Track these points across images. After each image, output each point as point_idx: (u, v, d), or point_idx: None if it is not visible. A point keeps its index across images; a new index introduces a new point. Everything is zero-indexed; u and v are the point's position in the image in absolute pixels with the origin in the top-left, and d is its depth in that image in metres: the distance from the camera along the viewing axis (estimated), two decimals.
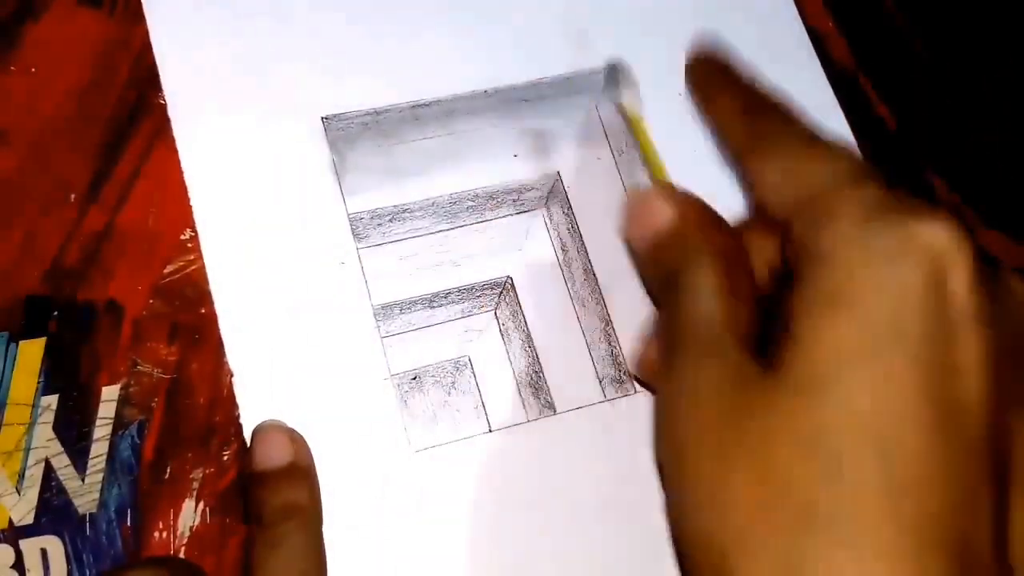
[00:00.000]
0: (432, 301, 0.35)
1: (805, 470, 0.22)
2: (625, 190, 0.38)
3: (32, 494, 0.31)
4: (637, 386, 0.36)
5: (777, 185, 0.27)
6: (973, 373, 0.23)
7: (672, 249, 0.28)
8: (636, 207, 0.30)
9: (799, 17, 0.43)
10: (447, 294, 0.36)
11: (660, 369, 0.27)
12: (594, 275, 0.37)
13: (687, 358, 0.26)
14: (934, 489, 0.22)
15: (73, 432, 0.32)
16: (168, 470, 0.32)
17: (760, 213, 0.29)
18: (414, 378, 0.34)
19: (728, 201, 0.39)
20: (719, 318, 0.26)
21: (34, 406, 0.32)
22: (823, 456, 0.22)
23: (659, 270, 0.29)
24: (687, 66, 0.33)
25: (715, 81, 0.31)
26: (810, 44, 0.43)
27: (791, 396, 0.23)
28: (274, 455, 0.31)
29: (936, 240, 0.23)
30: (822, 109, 0.41)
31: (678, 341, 0.27)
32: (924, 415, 0.22)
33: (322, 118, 0.36)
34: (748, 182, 0.29)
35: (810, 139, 0.28)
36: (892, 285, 0.23)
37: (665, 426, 0.26)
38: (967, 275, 0.23)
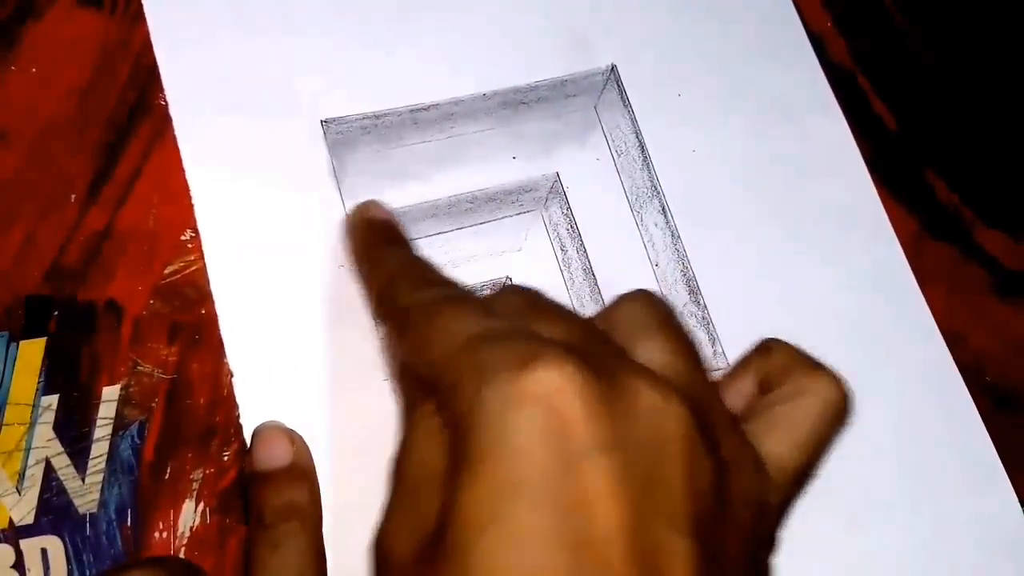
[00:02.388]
0: None
1: None
2: (624, 191, 0.38)
3: (32, 494, 0.31)
4: None
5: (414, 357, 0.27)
6: (603, 502, 0.22)
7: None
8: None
9: (799, 17, 0.43)
10: None
11: None
12: (593, 275, 0.37)
13: None
14: None
15: (73, 432, 0.32)
16: (168, 470, 0.32)
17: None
18: None
19: (727, 200, 0.39)
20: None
21: (34, 406, 0.32)
22: None
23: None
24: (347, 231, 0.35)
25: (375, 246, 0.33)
26: (810, 44, 0.43)
27: (445, 573, 0.23)
28: (274, 456, 0.31)
29: (544, 382, 0.23)
30: (822, 109, 0.42)
31: None
32: (560, 561, 0.22)
33: (322, 121, 0.36)
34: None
35: (439, 300, 0.27)
36: (511, 440, 0.23)
37: None
38: (580, 406, 0.23)
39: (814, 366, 0.29)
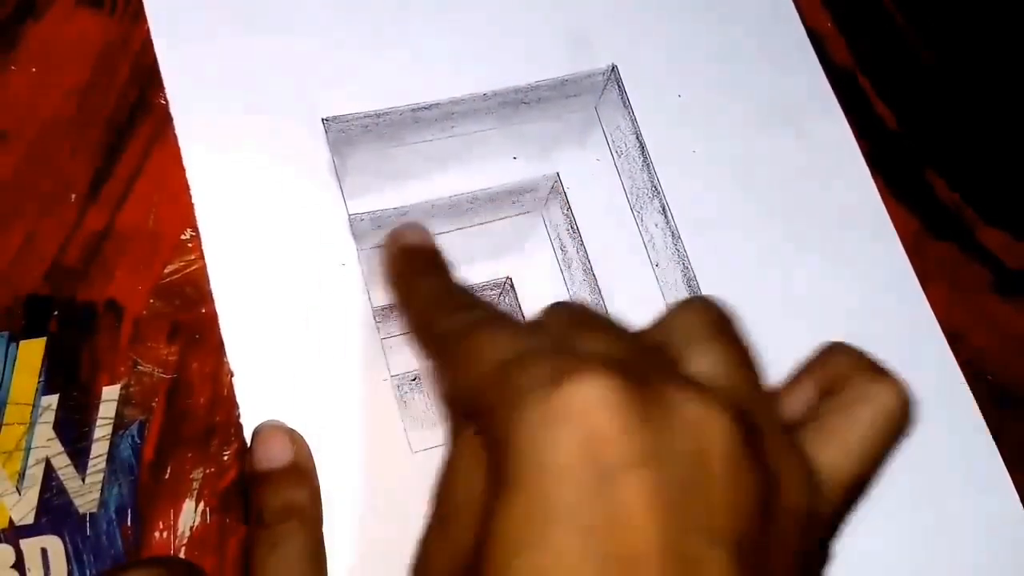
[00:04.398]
0: None
1: None
2: (625, 192, 0.38)
3: (32, 494, 0.31)
4: None
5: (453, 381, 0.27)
6: (639, 519, 0.22)
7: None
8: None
9: (799, 17, 0.43)
10: None
11: None
12: (594, 276, 0.37)
13: None
14: None
15: (73, 432, 0.32)
16: (168, 470, 0.32)
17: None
18: (414, 379, 0.34)
19: (727, 201, 0.39)
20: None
21: (34, 406, 0.32)
22: None
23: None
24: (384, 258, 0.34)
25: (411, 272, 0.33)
26: (810, 44, 0.43)
27: None
28: (274, 456, 0.31)
29: (577, 398, 0.22)
30: (823, 109, 0.42)
31: None
32: None
33: (323, 120, 0.36)
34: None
35: (473, 325, 0.27)
36: (545, 460, 0.22)
37: None
38: (615, 420, 0.22)
39: (876, 371, 0.28)
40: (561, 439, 0.22)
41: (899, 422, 0.27)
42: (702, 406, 0.23)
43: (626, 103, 0.39)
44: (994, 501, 0.37)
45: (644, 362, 0.25)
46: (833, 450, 0.26)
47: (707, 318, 0.27)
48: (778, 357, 0.37)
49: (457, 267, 0.36)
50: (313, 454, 0.32)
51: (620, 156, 0.39)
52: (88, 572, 0.31)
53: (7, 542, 0.31)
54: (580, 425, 0.22)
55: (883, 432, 0.27)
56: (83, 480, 0.32)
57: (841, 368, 0.29)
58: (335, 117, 0.36)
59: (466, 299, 0.30)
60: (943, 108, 0.44)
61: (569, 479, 0.22)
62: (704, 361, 0.25)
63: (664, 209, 0.38)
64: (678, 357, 0.26)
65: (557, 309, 0.28)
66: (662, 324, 0.27)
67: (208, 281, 0.34)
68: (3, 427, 0.32)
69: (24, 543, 0.31)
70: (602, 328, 0.26)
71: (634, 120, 0.39)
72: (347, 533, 0.32)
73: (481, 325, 0.26)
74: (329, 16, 0.38)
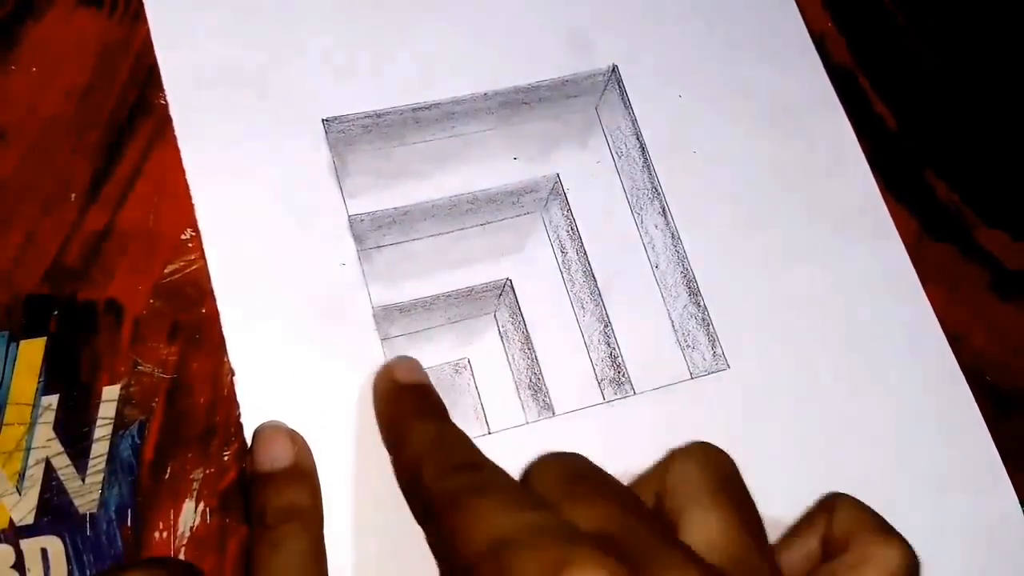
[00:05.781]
0: (432, 303, 0.35)
1: None
2: (625, 192, 0.38)
3: (32, 494, 0.31)
4: (637, 388, 0.36)
5: None
6: None
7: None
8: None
9: (799, 17, 0.43)
10: (447, 296, 0.36)
11: None
12: (593, 277, 0.37)
13: None
14: None
15: (73, 432, 0.32)
16: (168, 470, 0.32)
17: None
18: None
19: (727, 202, 0.39)
20: None
21: (34, 406, 0.32)
22: None
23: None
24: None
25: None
26: (810, 44, 0.42)
27: None
28: (276, 456, 0.31)
29: None
30: (824, 109, 0.41)
31: None
32: None
33: (323, 120, 0.36)
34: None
35: (466, 491, 0.27)
36: None
37: None
38: None
39: (880, 531, 0.28)
40: None
41: None
42: None
43: (627, 104, 0.39)
44: (993, 502, 0.37)
45: (641, 538, 0.24)
46: None
47: (706, 474, 0.27)
48: (778, 357, 0.37)
49: (457, 268, 0.36)
50: (314, 454, 0.32)
51: (620, 157, 0.39)
52: (88, 572, 0.31)
53: (7, 542, 0.31)
54: None
55: None
56: (83, 480, 0.32)
57: (845, 525, 0.28)
58: (335, 117, 0.36)
59: (459, 455, 0.29)
60: (943, 108, 0.44)
61: None
62: (703, 529, 0.25)
63: (664, 210, 0.38)
64: (677, 520, 0.26)
65: (549, 465, 0.28)
66: (660, 475, 0.27)
67: (208, 281, 0.34)
68: (3, 427, 0.32)
69: (24, 543, 0.31)
70: (598, 492, 0.26)
71: (635, 121, 0.39)
72: (347, 533, 0.32)
73: (472, 492, 0.26)
74: (329, 16, 0.38)
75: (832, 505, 0.29)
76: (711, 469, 0.27)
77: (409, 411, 0.32)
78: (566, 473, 0.27)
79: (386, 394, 0.32)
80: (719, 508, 0.26)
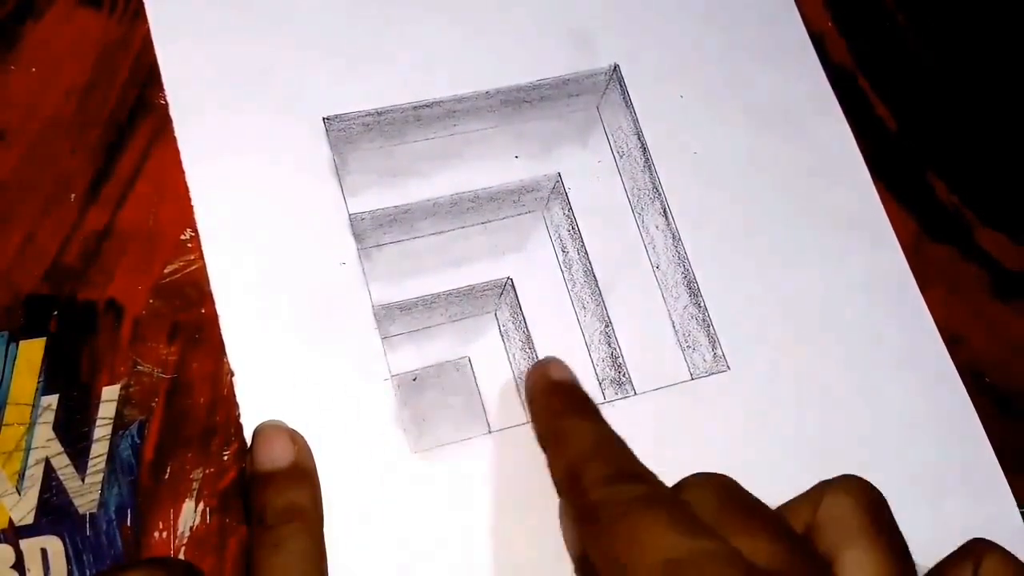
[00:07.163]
0: (432, 302, 0.35)
1: None
2: (626, 192, 0.38)
3: (32, 494, 0.31)
4: (637, 387, 0.36)
5: None
6: None
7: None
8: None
9: (799, 17, 0.43)
10: (447, 295, 0.36)
11: None
12: (594, 276, 0.37)
13: None
14: None
15: (73, 432, 0.32)
16: (168, 470, 0.32)
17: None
18: (414, 379, 0.34)
19: (728, 202, 0.39)
20: None
21: (34, 406, 0.32)
22: None
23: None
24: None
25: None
26: (810, 44, 0.43)
27: None
28: (276, 456, 0.31)
29: None
30: (824, 110, 0.42)
31: None
32: None
33: (323, 118, 0.36)
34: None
35: (633, 503, 0.27)
36: None
37: None
38: None
39: None
40: None
41: None
42: None
43: (628, 103, 0.39)
44: (991, 504, 0.37)
45: (803, 572, 0.25)
46: None
47: (861, 512, 0.27)
48: (778, 358, 0.37)
49: (458, 267, 0.36)
50: (314, 454, 0.32)
51: (621, 156, 0.39)
52: (88, 572, 0.31)
53: (7, 542, 0.31)
54: None
55: None
56: (83, 480, 0.32)
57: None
58: (336, 116, 0.36)
59: (626, 462, 0.29)
60: (943, 109, 0.44)
61: None
62: (857, 565, 0.26)
63: (665, 210, 0.38)
64: (832, 557, 0.26)
65: (703, 485, 0.28)
66: (810, 507, 0.28)
67: (208, 281, 0.34)
68: (3, 427, 0.32)
69: (24, 543, 0.31)
70: (758, 522, 0.26)
71: (636, 120, 0.39)
72: (347, 533, 0.32)
73: (642, 504, 0.26)
74: (330, 15, 0.38)
75: (981, 551, 0.29)
76: (865, 506, 0.28)
77: (566, 408, 0.32)
78: (724, 496, 0.28)
79: (542, 391, 0.33)
80: (877, 551, 0.26)
